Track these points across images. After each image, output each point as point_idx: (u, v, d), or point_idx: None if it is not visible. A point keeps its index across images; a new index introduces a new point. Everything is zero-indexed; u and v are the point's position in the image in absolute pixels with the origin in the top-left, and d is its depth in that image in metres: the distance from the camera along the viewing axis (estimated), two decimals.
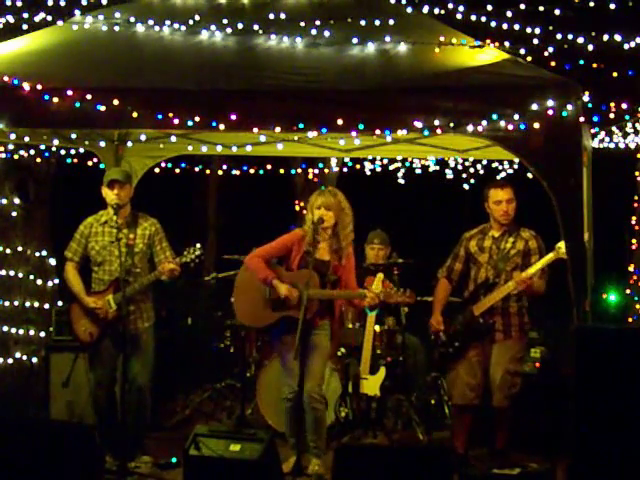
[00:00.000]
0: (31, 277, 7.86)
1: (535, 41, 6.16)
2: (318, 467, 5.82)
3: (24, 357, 7.62)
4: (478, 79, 5.57)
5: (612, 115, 6.11)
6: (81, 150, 7.80)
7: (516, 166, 8.20)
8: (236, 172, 9.68)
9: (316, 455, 5.87)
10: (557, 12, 6.65)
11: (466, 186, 9.37)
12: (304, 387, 5.75)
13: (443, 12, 6.49)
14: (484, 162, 8.72)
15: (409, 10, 6.42)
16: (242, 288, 6.07)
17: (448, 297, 6.38)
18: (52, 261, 8.02)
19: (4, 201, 7.80)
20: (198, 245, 5.97)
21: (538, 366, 6.70)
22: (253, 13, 6.35)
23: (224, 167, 9.97)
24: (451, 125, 5.37)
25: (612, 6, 6.74)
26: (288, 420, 5.89)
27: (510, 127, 5.32)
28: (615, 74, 6.74)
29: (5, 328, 7.58)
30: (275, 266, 5.99)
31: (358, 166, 9.82)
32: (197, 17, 6.22)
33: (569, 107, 5.28)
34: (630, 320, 7.58)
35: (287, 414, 5.88)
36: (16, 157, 7.66)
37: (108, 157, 7.40)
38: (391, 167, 9.63)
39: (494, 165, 8.66)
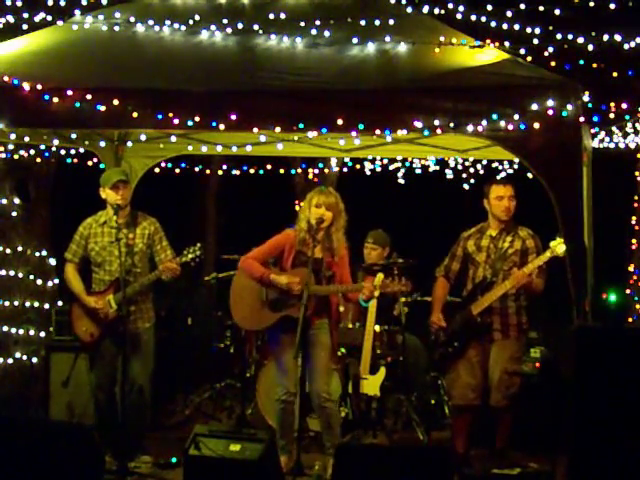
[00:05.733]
0: (31, 277, 7.86)
1: (535, 41, 6.16)
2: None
3: (24, 357, 7.62)
4: (478, 79, 5.57)
5: (612, 115, 6.11)
6: (81, 150, 7.81)
7: (516, 166, 8.20)
8: (236, 172, 9.68)
9: (332, 455, 5.84)
10: (557, 12, 6.64)
11: (466, 186, 9.37)
12: (312, 388, 5.78)
13: (443, 12, 6.49)
14: (484, 162, 8.72)
15: (409, 10, 6.42)
16: (238, 293, 6.04)
17: (447, 295, 6.38)
18: (52, 261, 8.02)
19: (4, 201, 7.80)
20: (198, 244, 5.97)
21: (538, 366, 6.71)
22: (253, 13, 6.35)
23: (224, 167, 9.98)
24: (451, 125, 5.37)
25: (612, 6, 6.73)
26: (280, 422, 5.88)
27: (510, 127, 5.32)
28: (615, 74, 6.74)
29: (5, 328, 7.57)
30: (270, 267, 5.98)
31: (358, 166, 9.82)
32: (197, 17, 6.22)
33: (569, 107, 5.28)
34: (630, 320, 7.59)
35: (280, 415, 5.88)
36: (16, 157, 7.65)
37: (108, 157, 7.40)
38: (391, 167, 9.63)
39: (494, 165, 8.65)
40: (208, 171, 10.69)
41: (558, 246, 5.71)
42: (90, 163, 8.14)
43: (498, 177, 8.37)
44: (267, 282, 5.84)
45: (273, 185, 10.49)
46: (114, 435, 5.84)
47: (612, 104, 6.06)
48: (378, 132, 5.60)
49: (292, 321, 5.58)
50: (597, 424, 4.76)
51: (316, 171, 10.47)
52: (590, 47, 6.08)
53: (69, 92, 5.49)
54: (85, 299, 6.02)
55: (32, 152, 7.78)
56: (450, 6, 6.52)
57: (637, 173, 8.03)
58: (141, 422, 6.06)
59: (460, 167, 8.95)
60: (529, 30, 6.26)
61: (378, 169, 9.68)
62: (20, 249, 7.86)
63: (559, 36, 6.15)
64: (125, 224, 6.03)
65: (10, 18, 6.73)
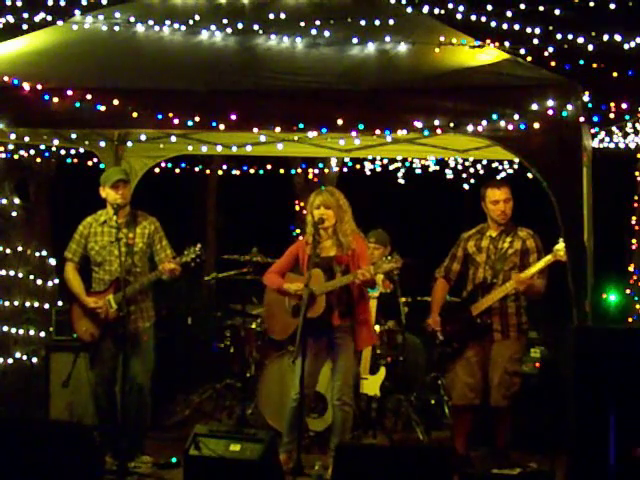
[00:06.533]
0: (31, 277, 7.86)
1: (535, 41, 6.15)
2: None
3: (24, 357, 7.61)
4: (478, 79, 5.57)
5: (612, 115, 6.11)
6: (81, 150, 7.80)
7: (516, 166, 8.21)
8: (236, 172, 9.69)
9: None
10: (557, 12, 6.64)
11: (466, 186, 9.38)
12: (334, 390, 5.88)
13: (443, 12, 6.49)
14: (484, 162, 8.72)
15: (409, 10, 6.41)
16: (269, 307, 6.29)
17: (446, 297, 6.40)
18: (52, 261, 8.02)
19: (4, 201, 7.80)
20: (199, 245, 5.97)
21: (538, 366, 6.70)
22: (253, 13, 6.34)
23: (224, 167, 9.98)
24: (451, 125, 5.37)
25: (612, 6, 6.73)
26: (290, 421, 5.91)
27: (510, 127, 5.31)
28: (615, 74, 6.73)
29: (5, 328, 7.57)
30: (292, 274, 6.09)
31: (358, 166, 9.82)
32: (197, 17, 6.22)
33: (569, 107, 5.28)
34: (630, 320, 7.58)
35: (290, 415, 5.91)
36: (16, 157, 7.65)
37: (108, 157, 7.39)
38: (391, 167, 9.63)
39: (494, 165, 8.66)
40: (208, 171, 10.69)
41: (561, 250, 5.70)
42: (90, 163, 8.14)
43: (498, 177, 8.39)
44: (283, 292, 5.98)
45: (273, 185, 10.49)
46: (114, 435, 5.84)
47: (612, 104, 6.05)
48: (378, 132, 5.60)
49: (314, 325, 5.65)
50: (597, 424, 4.76)
51: (316, 171, 10.48)
52: (590, 47, 6.08)
53: (69, 92, 5.48)
54: (85, 299, 6.02)
55: (32, 152, 7.78)
56: (450, 6, 6.51)
57: (637, 173, 8.02)
58: (141, 422, 6.06)
59: (460, 167, 8.96)
60: (529, 30, 6.26)
61: (378, 169, 9.67)
62: (20, 249, 7.86)
63: (559, 36, 6.14)
64: (125, 223, 6.02)
65: (10, 18, 6.72)
